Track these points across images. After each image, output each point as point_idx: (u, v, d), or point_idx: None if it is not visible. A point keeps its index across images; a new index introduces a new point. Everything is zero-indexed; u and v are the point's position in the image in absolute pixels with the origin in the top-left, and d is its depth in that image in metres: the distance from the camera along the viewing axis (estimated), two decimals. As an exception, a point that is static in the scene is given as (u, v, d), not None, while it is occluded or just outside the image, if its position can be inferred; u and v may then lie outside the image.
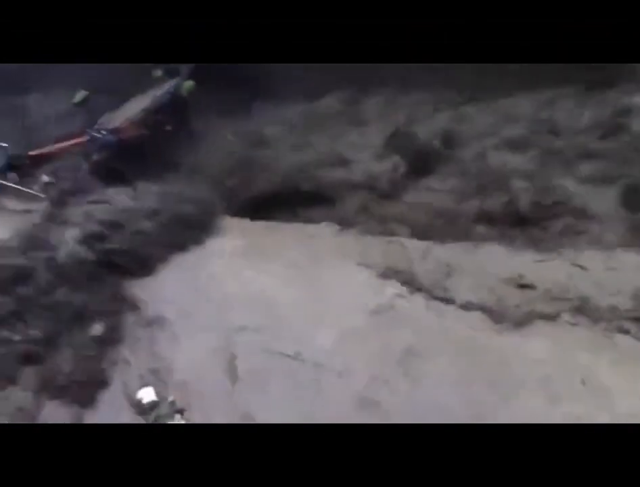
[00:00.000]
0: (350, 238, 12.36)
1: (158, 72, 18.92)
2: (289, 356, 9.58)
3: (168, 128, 17.56)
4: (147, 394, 8.73)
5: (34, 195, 14.90)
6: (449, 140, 14.75)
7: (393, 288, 10.52)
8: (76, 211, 13.97)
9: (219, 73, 18.61)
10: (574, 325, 8.95)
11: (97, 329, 11.18)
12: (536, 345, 8.72)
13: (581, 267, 9.91)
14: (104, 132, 17.32)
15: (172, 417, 7.93)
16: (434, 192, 13.60)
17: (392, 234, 12.36)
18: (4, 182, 15.51)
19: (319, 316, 10.20)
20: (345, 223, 13.07)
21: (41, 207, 14.27)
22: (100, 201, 14.44)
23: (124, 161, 16.94)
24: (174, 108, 17.96)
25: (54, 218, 13.83)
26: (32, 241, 12.84)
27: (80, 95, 19.35)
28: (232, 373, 9.64)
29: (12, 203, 14.76)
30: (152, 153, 17.13)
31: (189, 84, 18.11)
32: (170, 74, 18.70)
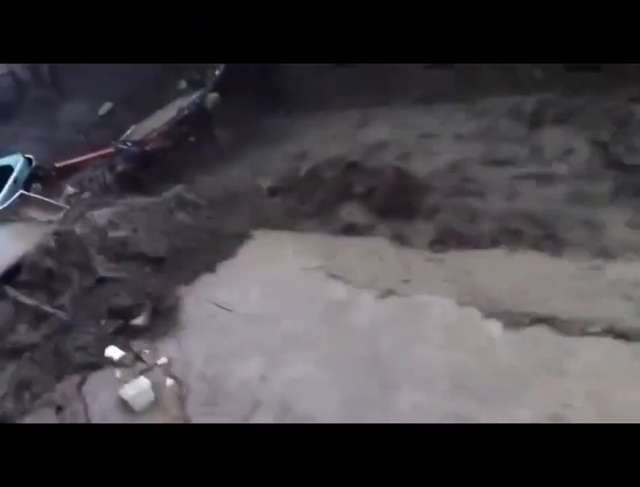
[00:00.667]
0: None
1: (183, 84, 19.07)
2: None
3: (192, 139, 17.61)
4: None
5: (57, 206, 15.01)
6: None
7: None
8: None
9: (242, 85, 18.81)
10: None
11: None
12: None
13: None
14: (129, 144, 17.44)
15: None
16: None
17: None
18: (28, 192, 15.66)
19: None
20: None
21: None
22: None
23: (148, 172, 17.06)
24: (198, 120, 18.01)
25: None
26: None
27: (105, 107, 19.60)
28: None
29: (35, 214, 14.85)
30: (176, 164, 17.25)
31: (213, 96, 18.17)
32: (195, 86, 18.80)
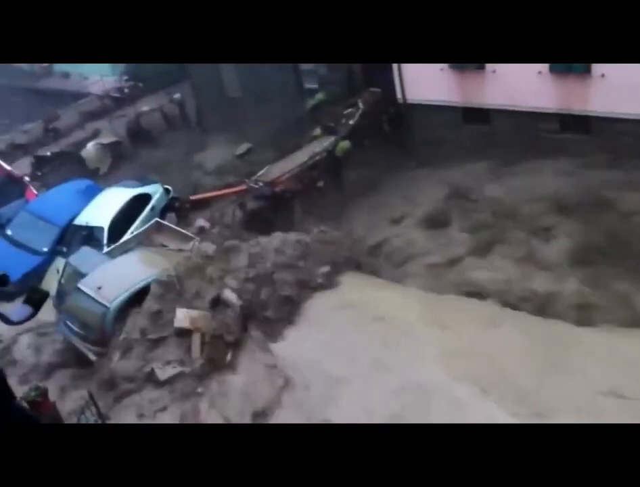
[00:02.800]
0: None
1: (318, 131, 19.63)
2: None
3: (321, 184, 18.03)
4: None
5: (188, 236, 15.67)
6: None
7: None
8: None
9: (376, 135, 19.17)
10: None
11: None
12: None
13: None
14: (261, 184, 18.06)
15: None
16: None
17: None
18: (163, 221, 16.48)
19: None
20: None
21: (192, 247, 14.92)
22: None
23: (276, 212, 17.60)
24: (328, 166, 18.45)
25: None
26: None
27: (243, 147, 20.47)
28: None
29: (167, 242, 15.58)
30: (304, 207, 17.71)
31: (344, 144, 18.60)
32: (329, 133, 19.32)
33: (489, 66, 17.85)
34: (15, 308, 15.11)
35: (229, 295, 12.97)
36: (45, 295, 14.98)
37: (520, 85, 17.29)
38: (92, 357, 13.18)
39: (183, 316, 12.49)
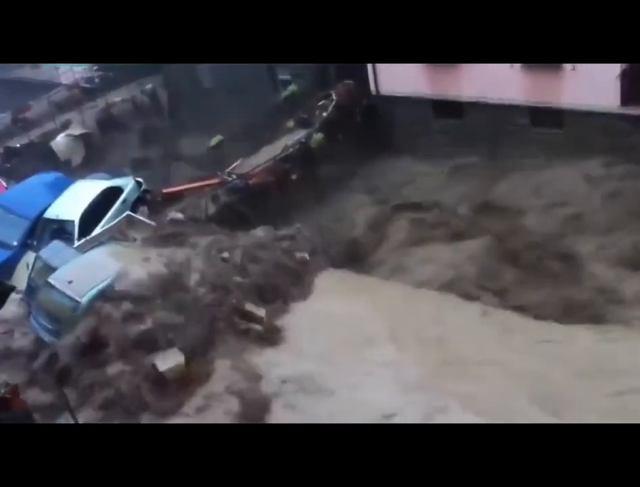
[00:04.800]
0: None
1: (291, 123, 19.59)
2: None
3: (295, 177, 17.99)
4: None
5: (159, 228, 15.55)
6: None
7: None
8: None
9: (348, 127, 19.19)
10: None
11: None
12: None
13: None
14: (234, 177, 17.98)
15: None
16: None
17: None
18: (134, 214, 16.31)
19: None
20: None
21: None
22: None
23: (250, 205, 17.53)
24: (302, 159, 18.42)
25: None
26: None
27: (215, 140, 20.35)
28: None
29: (139, 235, 15.42)
30: (277, 200, 17.68)
31: (318, 136, 18.58)
32: (302, 126, 19.28)
33: (461, 59, 17.90)
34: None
35: None
36: (10, 289, 14.84)
37: (492, 78, 17.37)
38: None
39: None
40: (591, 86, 15.94)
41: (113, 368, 12.34)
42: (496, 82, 17.35)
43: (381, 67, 19.54)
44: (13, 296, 14.58)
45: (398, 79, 19.22)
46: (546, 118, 17.32)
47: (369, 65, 19.58)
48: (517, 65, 16.94)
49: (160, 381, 12.04)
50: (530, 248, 14.42)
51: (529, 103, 17.52)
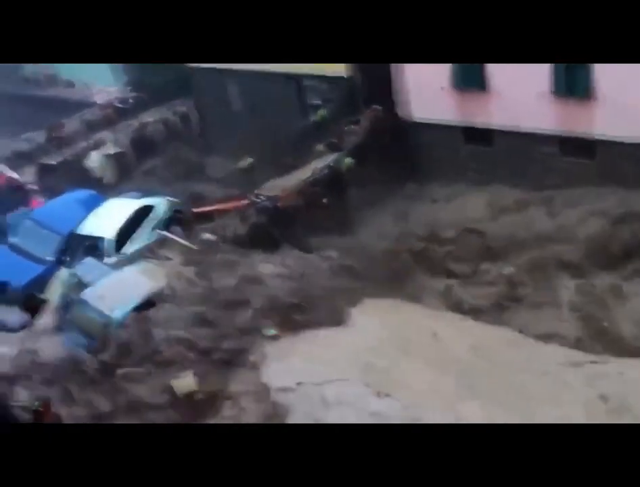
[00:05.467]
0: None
1: (321, 147, 19.81)
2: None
3: (324, 201, 18.17)
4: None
5: (192, 249, 15.80)
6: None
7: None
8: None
9: (378, 152, 19.37)
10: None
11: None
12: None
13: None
14: (263, 198, 18.19)
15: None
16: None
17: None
18: (166, 233, 16.59)
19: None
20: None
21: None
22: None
23: (278, 227, 17.72)
24: (331, 182, 18.61)
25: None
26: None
27: (245, 161, 20.62)
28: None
29: (170, 254, 15.69)
30: (306, 223, 17.87)
31: (348, 160, 18.77)
32: (332, 149, 19.50)
33: (491, 86, 18.08)
34: (13, 315, 15.29)
35: None
36: (42, 302, 15.14)
37: (522, 106, 17.52)
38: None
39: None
40: (623, 116, 16.03)
41: (136, 386, 12.58)
42: (526, 110, 17.48)
43: (410, 92, 19.75)
44: (45, 310, 14.94)
45: (428, 105, 19.42)
46: (577, 147, 17.40)
47: (399, 91, 19.81)
48: (548, 93, 17.08)
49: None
50: None
51: (559, 132, 17.61)
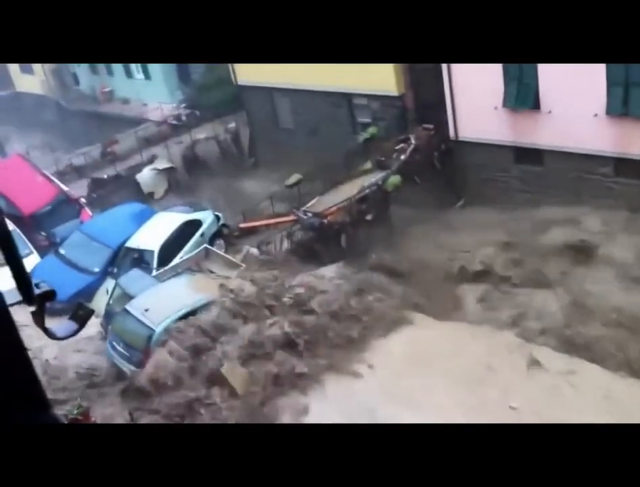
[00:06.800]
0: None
1: (369, 164, 19.73)
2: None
3: (369, 218, 18.06)
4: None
5: (235, 263, 15.83)
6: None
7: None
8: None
9: (426, 172, 19.18)
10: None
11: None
12: None
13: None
14: (310, 215, 18.18)
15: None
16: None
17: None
18: (212, 247, 16.68)
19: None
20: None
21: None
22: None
23: (324, 244, 17.68)
24: (377, 200, 18.50)
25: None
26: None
27: (293, 178, 20.67)
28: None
29: (215, 268, 15.76)
30: (351, 240, 17.78)
31: (395, 179, 18.61)
32: (379, 167, 19.40)
33: (544, 106, 17.73)
34: (61, 324, 15.51)
35: None
36: (90, 312, 15.29)
37: (575, 127, 17.13)
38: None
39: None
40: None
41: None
42: (578, 130, 17.09)
43: (461, 112, 19.53)
44: (92, 320, 15.11)
45: (478, 124, 19.16)
46: (630, 168, 16.91)
47: (449, 110, 19.61)
48: (602, 114, 16.67)
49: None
50: None
51: (613, 154, 17.16)
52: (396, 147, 19.92)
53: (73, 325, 8.53)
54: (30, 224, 20.05)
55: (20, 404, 3.12)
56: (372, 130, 21.34)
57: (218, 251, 16.65)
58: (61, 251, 18.18)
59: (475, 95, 18.72)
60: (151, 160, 25.23)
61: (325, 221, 17.87)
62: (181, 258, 16.66)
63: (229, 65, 24.77)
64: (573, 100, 16.92)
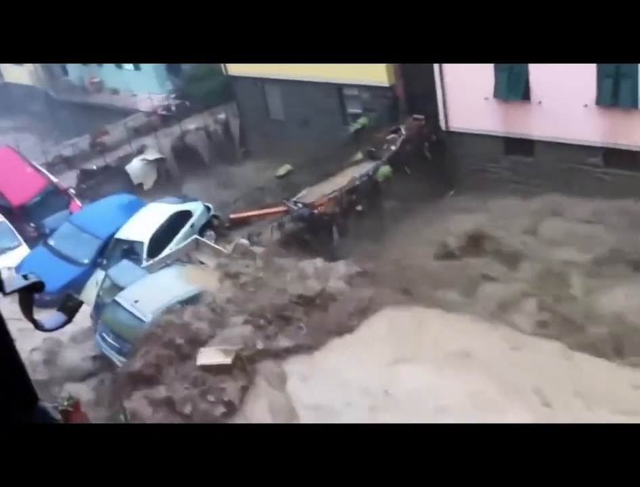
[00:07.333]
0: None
1: (359, 155, 19.72)
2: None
3: (360, 209, 18.06)
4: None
5: (226, 254, 15.78)
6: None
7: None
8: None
9: (416, 162, 19.19)
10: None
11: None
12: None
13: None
14: (300, 205, 18.16)
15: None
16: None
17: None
18: (202, 239, 16.62)
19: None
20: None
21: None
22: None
23: (314, 234, 17.67)
24: (368, 191, 18.49)
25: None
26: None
27: (283, 168, 20.66)
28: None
29: (205, 259, 15.72)
30: (341, 230, 17.78)
31: (385, 169, 18.62)
32: (370, 158, 19.40)
33: (534, 97, 17.77)
34: (49, 316, 15.43)
35: None
36: (79, 304, 15.21)
37: (565, 117, 17.17)
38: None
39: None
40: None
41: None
42: (568, 121, 17.13)
43: (451, 102, 19.54)
44: (81, 312, 15.04)
45: (469, 115, 19.18)
46: (620, 158, 16.96)
47: (440, 101, 19.61)
48: (592, 104, 16.71)
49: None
50: None
51: (602, 144, 17.21)
52: (387, 138, 19.92)
53: (61, 317, 8.41)
54: (19, 215, 19.96)
55: (9, 399, 3.09)
56: (363, 120, 21.32)
57: (209, 242, 16.59)
58: (51, 242, 18.06)
59: (465, 86, 18.72)
60: (141, 151, 25.09)
61: (316, 212, 17.85)
62: (171, 249, 16.59)
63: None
64: (563, 91, 16.95)
